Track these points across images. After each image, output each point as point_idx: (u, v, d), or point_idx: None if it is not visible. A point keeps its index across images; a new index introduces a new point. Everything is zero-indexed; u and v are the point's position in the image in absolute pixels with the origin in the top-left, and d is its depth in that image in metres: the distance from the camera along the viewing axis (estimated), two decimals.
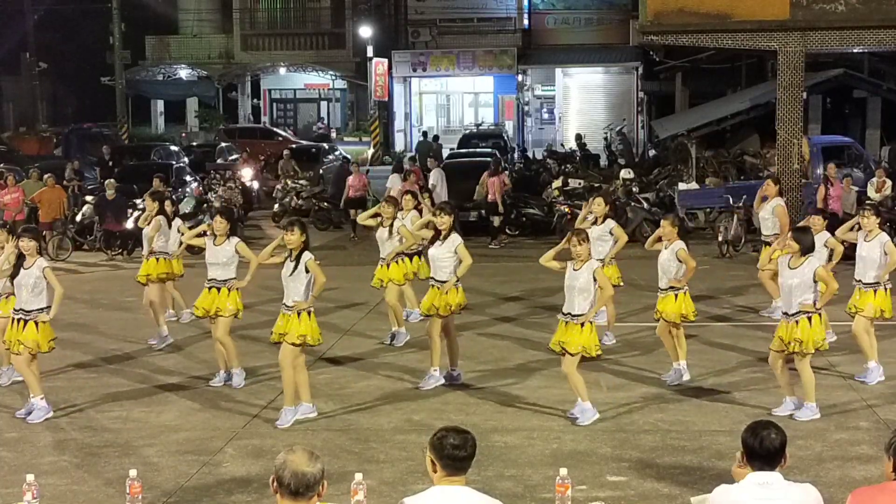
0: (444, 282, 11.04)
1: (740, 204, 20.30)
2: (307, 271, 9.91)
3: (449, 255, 11.06)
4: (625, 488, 8.29)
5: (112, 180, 22.53)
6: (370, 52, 39.33)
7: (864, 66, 31.44)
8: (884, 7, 19.55)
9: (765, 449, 4.71)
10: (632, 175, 24.35)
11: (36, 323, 10.27)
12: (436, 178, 23.22)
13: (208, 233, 12.36)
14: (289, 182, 27.17)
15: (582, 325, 9.75)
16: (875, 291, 11.15)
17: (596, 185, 24.86)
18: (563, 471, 7.01)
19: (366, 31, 39.84)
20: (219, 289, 11.37)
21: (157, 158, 30.29)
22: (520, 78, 41.83)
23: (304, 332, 9.93)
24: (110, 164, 30.01)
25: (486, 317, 14.76)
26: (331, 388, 11.28)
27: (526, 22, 43.01)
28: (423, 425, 9.96)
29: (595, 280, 9.78)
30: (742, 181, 24.39)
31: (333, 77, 43.96)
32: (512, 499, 8.08)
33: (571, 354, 9.76)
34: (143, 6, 44.12)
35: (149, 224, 13.80)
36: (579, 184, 24.43)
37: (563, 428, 9.79)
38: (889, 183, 20.97)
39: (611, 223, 12.92)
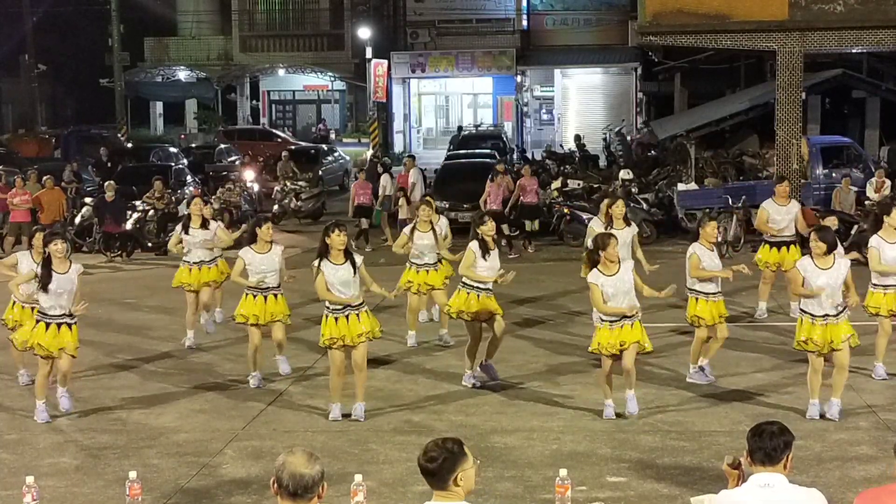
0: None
1: (739, 204, 20.30)
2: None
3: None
4: (625, 489, 8.29)
5: (112, 182, 22.54)
6: (369, 53, 39.34)
7: (863, 66, 31.43)
8: (882, 7, 19.56)
9: (769, 446, 4.69)
10: (631, 176, 24.36)
11: (69, 326, 10.24)
12: (415, 176, 23.27)
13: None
14: (287, 184, 27.19)
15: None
16: None
17: (595, 185, 24.88)
18: (563, 471, 7.01)
19: (365, 33, 39.85)
20: (275, 295, 11.40)
21: (157, 160, 30.31)
22: (519, 79, 41.84)
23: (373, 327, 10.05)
24: (108, 165, 30.03)
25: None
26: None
27: (525, 23, 43.02)
28: (423, 426, 9.96)
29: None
30: (741, 181, 24.39)
31: (332, 78, 43.97)
32: (512, 499, 8.08)
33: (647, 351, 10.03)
34: (141, 8, 44.13)
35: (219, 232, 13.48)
36: (578, 184, 24.43)
37: (562, 429, 9.79)
38: (888, 183, 20.98)
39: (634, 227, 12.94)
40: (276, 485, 4.12)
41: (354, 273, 9.89)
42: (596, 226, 13.04)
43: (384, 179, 23.00)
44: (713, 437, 9.43)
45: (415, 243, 12.89)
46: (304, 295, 14.58)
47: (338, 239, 9.80)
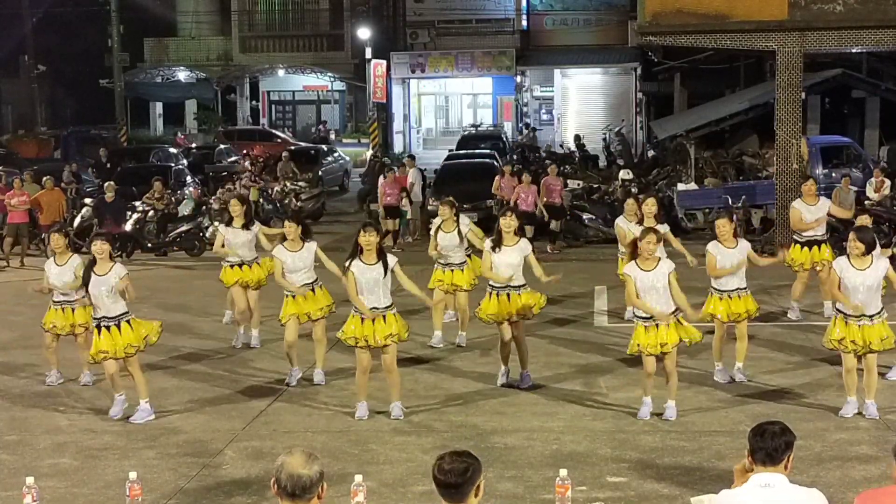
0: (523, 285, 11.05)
1: (739, 204, 20.30)
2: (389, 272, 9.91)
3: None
4: (625, 489, 8.29)
5: (111, 183, 22.54)
6: (369, 53, 39.35)
7: (863, 66, 31.44)
8: (882, 7, 19.54)
9: (771, 446, 4.69)
10: (631, 176, 24.36)
11: (129, 322, 10.21)
12: (413, 177, 23.31)
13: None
14: (287, 184, 27.20)
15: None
16: None
17: (595, 185, 24.88)
18: (563, 472, 7.01)
19: (364, 33, 39.86)
20: (312, 290, 11.39)
21: (156, 160, 30.31)
22: (518, 79, 41.84)
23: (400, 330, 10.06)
24: (107, 165, 30.02)
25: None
26: (330, 389, 11.28)
27: (524, 23, 43.01)
28: (423, 426, 9.97)
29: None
30: (741, 181, 24.39)
31: (332, 79, 43.98)
32: (512, 500, 8.08)
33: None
34: (141, 9, 44.12)
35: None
36: (578, 184, 24.44)
37: (562, 429, 9.79)
38: (888, 183, 20.98)
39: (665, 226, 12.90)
40: (275, 485, 4.14)
41: (385, 274, 9.87)
42: (623, 224, 13.08)
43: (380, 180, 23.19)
44: (713, 438, 9.43)
45: (440, 244, 12.91)
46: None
47: (364, 239, 9.81)
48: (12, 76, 46.73)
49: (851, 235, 9.82)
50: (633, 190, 23.10)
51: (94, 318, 10.25)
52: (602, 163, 33.89)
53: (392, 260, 9.97)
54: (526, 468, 8.75)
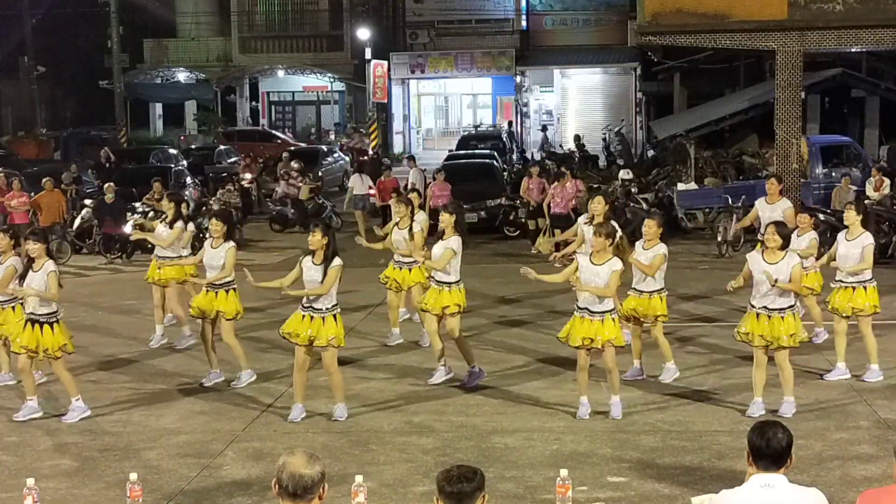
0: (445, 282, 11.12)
1: (739, 204, 20.29)
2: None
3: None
4: (625, 489, 8.29)
5: (111, 184, 22.55)
6: (368, 54, 39.35)
7: (862, 65, 31.43)
8: (881, 6, 19.55)
9: (772, 449, 4.68)
10: (631, 175, 24.36)
11: (51, 325, 10.30)
12: (414, 177, 23.32)
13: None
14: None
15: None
16: (865, 288, 11.18)
17: (595, 185, 24.88)
18: (564, 472, 7.01)
19: (364, 34, 39.86)
20: (216, 292, 11.39)
21: (156, 161, 30.31)
22: (518, 79, 41.84)
23: (337, 334, 9.97)
24: (107, 166, 30.02)
25: (485, 318, 14.76)
26: (329, 390, 11.27)
27: (524, 23, 43.01)
28: (424, 427, 9.96)
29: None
30: (741, 181, 24.39)
31: (332, 79, 43.97)
32: (513, 500, 8.08)
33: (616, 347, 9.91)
34: (141, 10, 44.14)
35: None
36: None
37: (563, 429, 9.79)
38: (887, 182, 20.99)
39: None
40: (276, 486, 4.14)
41: (324, 277, 9.85)
42: (581, 220, 13.26)
43: (353, 179, 23.94)
44: (714, 437, 9.43)
45: (393, 240, 12.96)
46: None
47: (309, 238, 9.91)
48: (12, 77, 46.72)
49: (770, 228, 9.91)
50: (632, 190, 23.13)
51: (25, 312, 10.48)
52: (602, 163, 33.89)
53: (336, 262, 9.85)
54: (526, 468, 8.75)
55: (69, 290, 17.61)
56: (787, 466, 4.74)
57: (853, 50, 24.69)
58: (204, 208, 22.87)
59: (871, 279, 11.26)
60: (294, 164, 26.08)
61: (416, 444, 9.46)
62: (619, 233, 10.77)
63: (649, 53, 32.92)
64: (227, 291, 11.44)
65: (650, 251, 11.05)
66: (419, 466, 8.79)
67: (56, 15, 44.40)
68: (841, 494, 7.89)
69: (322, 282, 9.76)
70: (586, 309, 9.84)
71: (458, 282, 11.30)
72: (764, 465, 4.70)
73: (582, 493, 8.00)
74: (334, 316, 9.92)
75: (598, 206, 12.66)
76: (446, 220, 11.22)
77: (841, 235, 11.47)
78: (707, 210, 22.19)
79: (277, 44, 43.75)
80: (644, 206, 22.15)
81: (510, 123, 40.91)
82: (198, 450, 9.45)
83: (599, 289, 9.74)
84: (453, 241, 11.18)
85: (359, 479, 6.91)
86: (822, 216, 18.91)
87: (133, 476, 7.19)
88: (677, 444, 9.31)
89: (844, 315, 11.24)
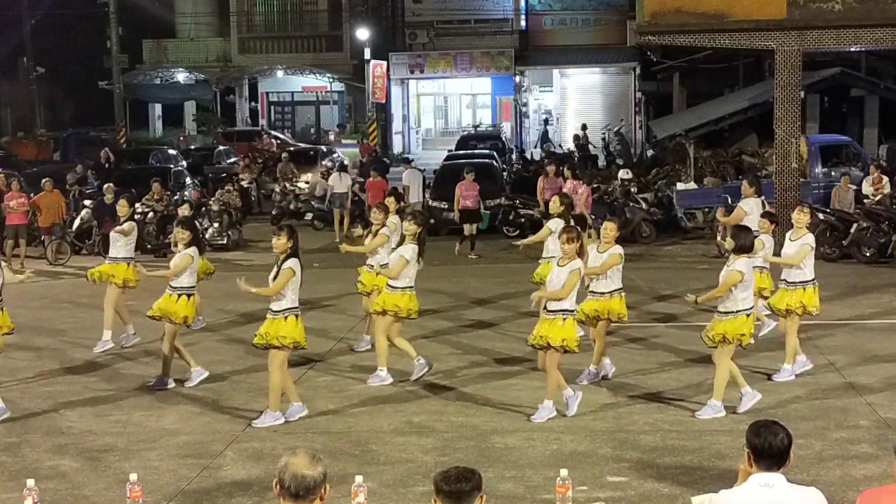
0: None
1: (738, 204, 20.27)
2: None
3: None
4: (625, 489, 8.29)
5: (111, 184, 22.54)
6: (367, 54, 39.36)
7: (862, 64, 31.43)
8: (880, 6, 19.54)
9: (775, 449, 4.68)
10: (630, 175, 24.37)
11: None
12: (408, 178, 23.33)
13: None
14: (287, 185, 27.20)
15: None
16: (804, 289, 11.22)
17: (594, 185, 24.87)
18: (564, 472, 7.00)
19: (363, 34, 39.86)
20: (178, 295, 11.44)
21: (156, 162, 30.32)
22: (517, 79, 41.85)
23: (292, 335, 9.96)
24: (107, 167, 30.02)
25: (485, 318, 14.76)
26: (330, 390, 11.29)
27: (523, 23, 43.01)
28: (423, 427, 9.97)
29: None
30: (740, 181, 24.36)
31: (331, 80, 43.97)
32: (513, 500, 8.08)
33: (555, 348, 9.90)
34: (140, 10, 44.13)
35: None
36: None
37: (563, 429, 9.79)
38: (886, 180, 20.99)
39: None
40: (278, 486, 4.15)
41: (275, 277, 9.91)
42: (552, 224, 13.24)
43: (333, 178, 23.84)
44: (714, 437, 9.43)
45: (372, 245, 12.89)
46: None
47: (276, 242, 9.97)
48: (11, 78, 46.74)
49: (731, 232, 10.14)
50: (632, 190, 23.13)
51: None
52: (601, 163, 33.90)
53: (288, 264, 9.86)
54: (526, 468, 8.75)
55: (69, 291, 17.66)
56: (786, 465, 4.74)
57: (852, 49, 24.69)
58: (203, 209, 22.87)
59: (812, 280, 11.26)
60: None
61: (416, 444, 9.46)
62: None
63: (648, 53, 32.93)
64: (180, 296, 11.39)
65: (605, 254, 11.13)
66: (419, 466, 8.79)
67: (55, 16, 44.41)
68: (841, 494, 7.89)
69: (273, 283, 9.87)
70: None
71: (408, 288, 11.29)
72: (766, 466, 4.69)
73: (582, 493, 8.00)
74: (285, 317, 9.92)
75: (553, 205, 12.73)
76: (410, 228, 11.20)
77: (787, 235, 11.55)
78: (706, 210, 22.18)
79: (276, 44, 43.75)
80: (643, 205, 22.16)
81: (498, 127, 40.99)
82: (198, 450, 9.45)
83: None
84: (407, 249, 11.18)
85: (359, 479, 6.91)
86: (822, 216, 18.94)
87: (133, 476, 7.19)
88: (677, 443, 9.32)
89: (787, 313, 11.25)
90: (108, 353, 13.13)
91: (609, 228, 11.32)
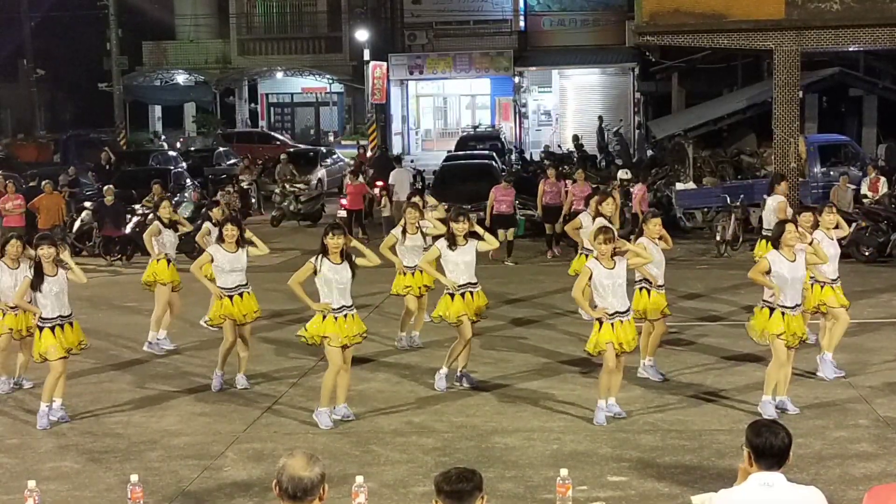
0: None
1: (738, 203, 20.32)
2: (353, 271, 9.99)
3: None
4: (625, 488, 8.31)
5: (111, 186, 22.55)
6: (367, 55, 39.37)
7: (860, 64, 31.44)
8: (879, 6, 19.58)
9: (775, 448, 4.69)
10: (629, 176, 24.37)
11: (71, 324, 10.54)
12: (395, 178, 23.39)
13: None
14: (286, 186, 27.21)
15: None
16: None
17: (594, 185, 24.87)
18: (564, 471, 7.02)
19: (362, 35, 39.87)
20: (241, 295, 11.51)
21: (156, 164, 30.33)
22: (516, 80, 41.86)
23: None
24: (107, 168, 30.03)
25: (485, 318, 14.75)
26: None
27: (522, 24, 43.00)
28: (424, 427, 9.98)
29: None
30: (739, 180, 24.41)
31: (330, 81, 43.98)
32: (513, 500, 8.10)
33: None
34: (139, 12, 44.12)
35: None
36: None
37: (563, 428, 9.81)
38: (884, 180, 21.01)
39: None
40: (277, 487, 4.16)
41: (353, 276, 9.95)
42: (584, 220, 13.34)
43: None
44: (714, 436, 9.45)
45: (406, 246, 12.92)
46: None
47: (332, 242, 9.89)
48: (11, 80, 46.74)
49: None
50: (631, 190, 23.13)
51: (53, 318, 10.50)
52: (601, 162, 33.91)
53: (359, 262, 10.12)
54: (526, 468, 8.77)
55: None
56: (785, 465, 4.76)
57: (851, 49, 24.72)
58: (203, 210, 22.87)
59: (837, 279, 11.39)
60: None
61: (417, 444, 9.48)
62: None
63: (647, 53, 32.95)
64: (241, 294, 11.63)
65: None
66: (419, 467, 8.81)
67: (55, 18, 44.42)
68: (840, 493, 7.91)
69: (352, 278, 9.98)
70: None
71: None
72: (766, 465, 4.70)
73: (582, 493, 8.02)
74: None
75: (608, 206, 13.19)
76: (459, 228, 11.10)
77: (816, 236, 11.52)
78: (706, 209, 22.21)
79: (276, 45, 43.76)
80: None
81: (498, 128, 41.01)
82: (199, 451, 9.47)
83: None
84: (443, 243, 11.22)
85: (359, 479, 6.93)
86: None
87: (134, 477, 7.21)
88: (677, 443, 9.33)
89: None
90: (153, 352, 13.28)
91: (656, 223, 11.20)
